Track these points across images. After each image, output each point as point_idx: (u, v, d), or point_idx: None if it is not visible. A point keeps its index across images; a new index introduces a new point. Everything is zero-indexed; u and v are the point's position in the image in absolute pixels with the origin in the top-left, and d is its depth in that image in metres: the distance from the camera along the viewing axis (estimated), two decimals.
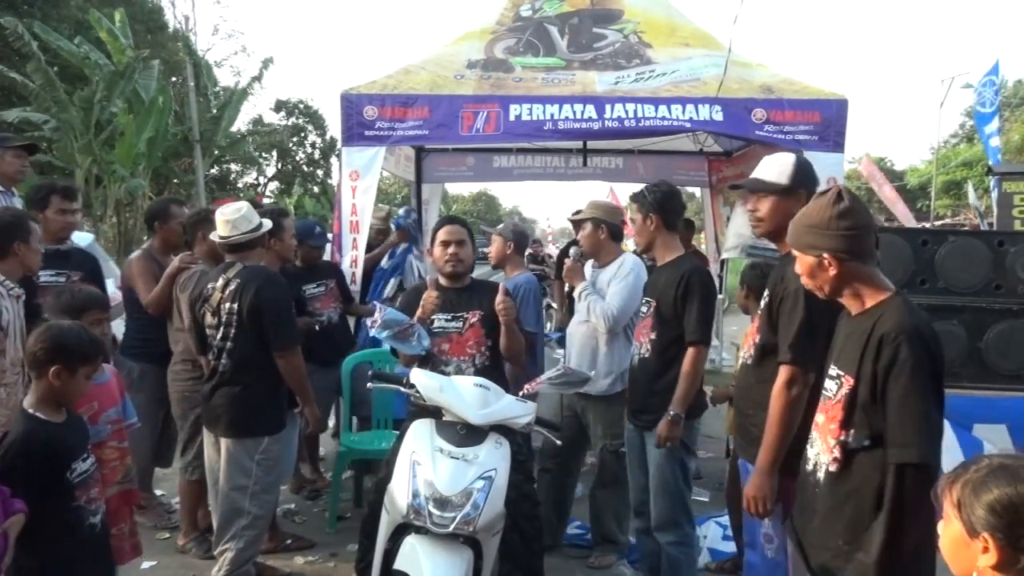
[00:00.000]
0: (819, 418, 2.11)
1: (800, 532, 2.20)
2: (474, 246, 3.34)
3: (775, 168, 2.50)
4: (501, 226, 4.68)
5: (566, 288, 3.98)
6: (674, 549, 3.12)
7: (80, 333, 2.26)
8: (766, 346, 2.46)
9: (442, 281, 3.24)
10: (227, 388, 3.15)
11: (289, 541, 3.90)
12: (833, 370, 2.07)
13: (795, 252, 2.10)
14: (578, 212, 3.89)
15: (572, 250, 4.16)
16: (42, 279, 3.41)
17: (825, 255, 1.99)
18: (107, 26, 16.51)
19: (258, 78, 21.12)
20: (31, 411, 2.21)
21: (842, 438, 1.99)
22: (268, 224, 3.37)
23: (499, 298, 3.07)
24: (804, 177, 2.47)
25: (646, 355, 3.15)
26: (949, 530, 1.30)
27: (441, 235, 3.22)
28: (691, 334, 3.00)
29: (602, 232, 3.70)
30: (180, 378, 3.73)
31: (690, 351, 3.01)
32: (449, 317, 3.15)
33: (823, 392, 2.11)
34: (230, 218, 3.19)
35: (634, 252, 4.23)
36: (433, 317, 3.10)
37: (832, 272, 2.00)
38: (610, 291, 3.61)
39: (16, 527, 2.01)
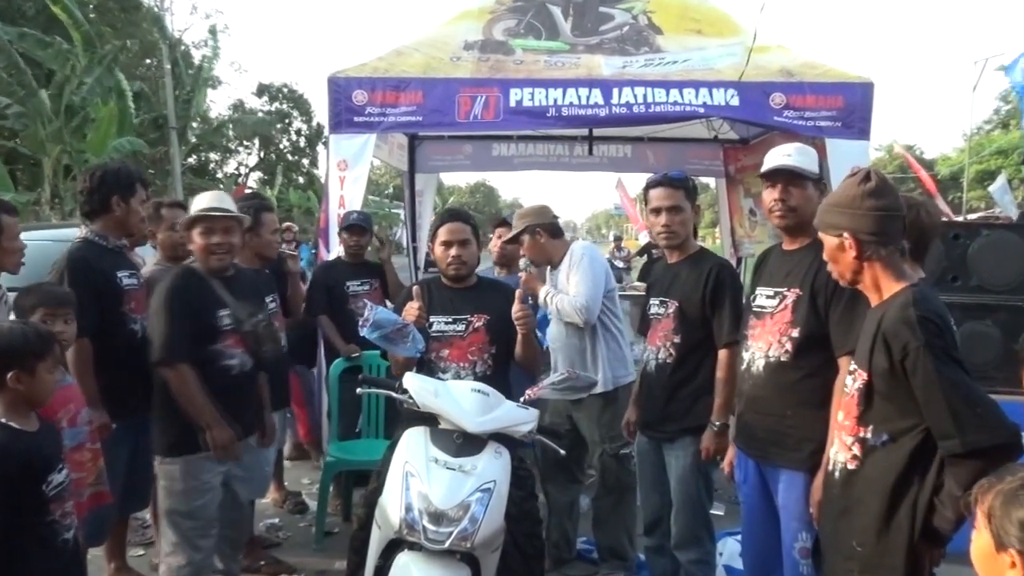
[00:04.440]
0: (839, 415, 2.17)
1: (820, 535, 2.24)
2: (478, 242, 3.29)
3: (807, 157, 2.58)
4: None
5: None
6: (695, 568, 3.11)
7: (24, 331, 2.23)
8: (811, 337, 2.45)
9: (445, 281, 3.21)
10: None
11: (262, 563, 3.86)
12: (852, 365, 2.13)
13: (820, 234, 2.17)
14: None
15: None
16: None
17: (845, 234, 2.05)
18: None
19: (208, 43, 20.83)
20: (3, 420, 2.20)
21: (860, 435, 2.04)
22: (246, 219, 3.28)
23: (516, 307, 3.01)
24: (821, 170, 2.64)
25: (666, 360, 3.09)
26: (980, 539, 1.30)
27: (442, 234, 3.14)
28: (726, 335, 2.94)
29: (541, 236, 3.74)
30: None
31: (723, 354, 2.95)
32: (450, 319, 3.10)
33: (844, 388, 2.16)
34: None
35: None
36: (432, 319, 3.06)
37: (852, 254, 2.06)
38: (571, 284, 3.61)
39: None
